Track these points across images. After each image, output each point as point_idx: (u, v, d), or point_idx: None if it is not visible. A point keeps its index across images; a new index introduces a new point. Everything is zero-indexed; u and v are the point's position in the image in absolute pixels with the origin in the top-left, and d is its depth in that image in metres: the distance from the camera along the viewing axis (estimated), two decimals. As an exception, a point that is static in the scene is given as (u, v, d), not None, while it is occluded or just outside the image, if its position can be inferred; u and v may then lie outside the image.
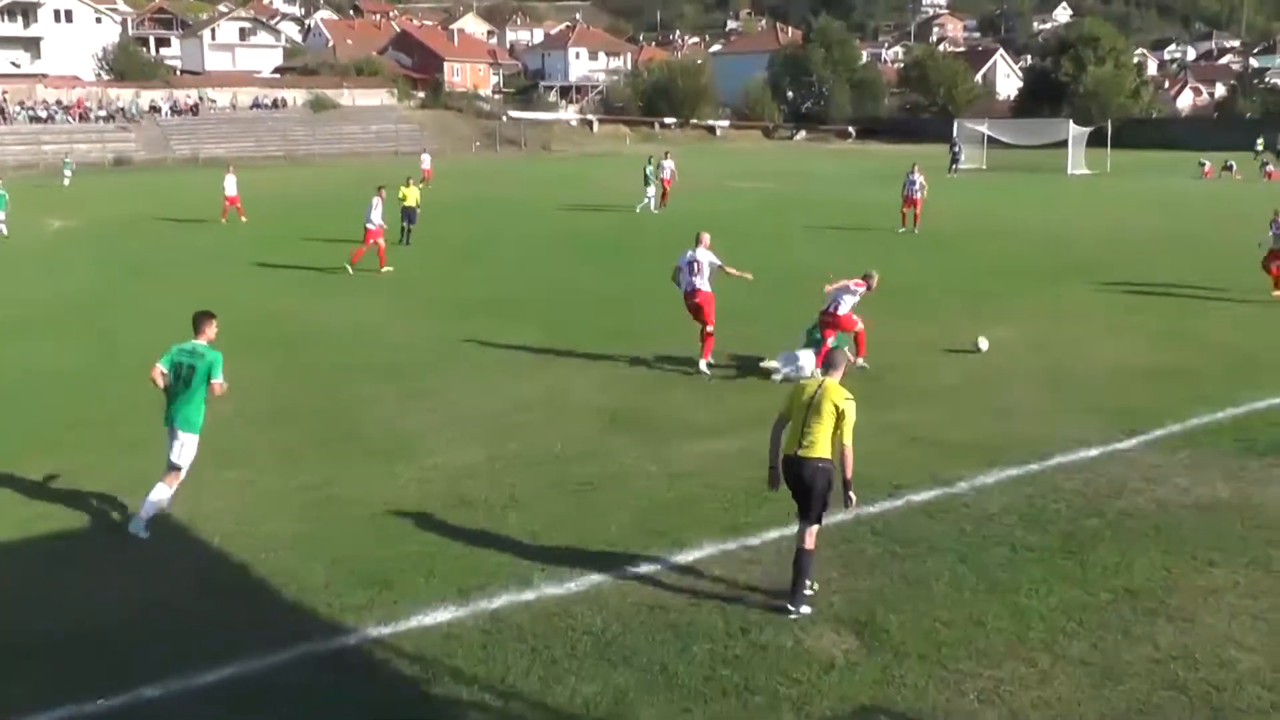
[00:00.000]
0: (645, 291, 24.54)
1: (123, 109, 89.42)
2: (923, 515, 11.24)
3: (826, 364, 9.85)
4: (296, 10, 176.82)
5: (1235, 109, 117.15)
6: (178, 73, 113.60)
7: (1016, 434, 13.85)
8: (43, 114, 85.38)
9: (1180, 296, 22.89)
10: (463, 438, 13.92)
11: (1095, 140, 71.71)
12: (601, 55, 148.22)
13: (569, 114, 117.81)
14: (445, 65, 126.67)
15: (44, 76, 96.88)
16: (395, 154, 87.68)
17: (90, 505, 11.80)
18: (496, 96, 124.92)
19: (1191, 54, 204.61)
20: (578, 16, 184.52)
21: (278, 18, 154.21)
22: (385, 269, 28.07)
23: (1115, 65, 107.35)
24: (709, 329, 17.54)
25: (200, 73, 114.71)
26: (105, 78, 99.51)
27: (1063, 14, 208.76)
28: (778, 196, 49.38)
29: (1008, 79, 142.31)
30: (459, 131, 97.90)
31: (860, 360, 16.98)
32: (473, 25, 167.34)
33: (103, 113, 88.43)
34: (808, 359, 17.01)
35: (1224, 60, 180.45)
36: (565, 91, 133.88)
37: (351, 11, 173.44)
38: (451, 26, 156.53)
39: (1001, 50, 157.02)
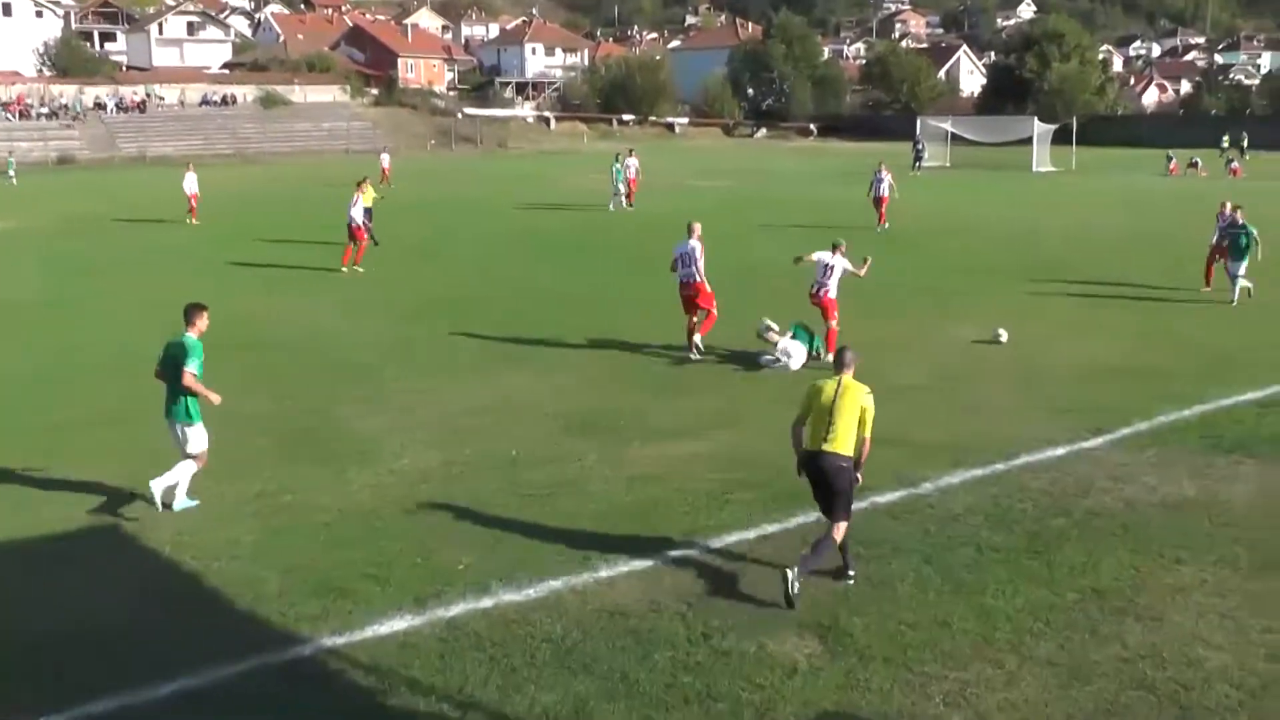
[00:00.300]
0: (603, 291, 24.45)
1: (66, 106, 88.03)
2: (887, 516, 11.14)
3: (839, 362, 9.94)
4: (246, 4, 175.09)
5: (1200, 106, 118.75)
6: (123, 68, 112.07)
7: (982, 433, 13.80)
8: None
9: (1145, 294, 22.97)
10: (418, 442, 13.71)
11: (1060, 138, 72.22)
12: (558, 51, 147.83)
13: (525, 111, 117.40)
14: (399, 61, 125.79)
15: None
16: (347, 152, 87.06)
17: (39, 515, 11.47)
18: (451, 93, 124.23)
19: (1156, 51, 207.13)
20: (534, 11, 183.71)
21: (227, 12, 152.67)
22: (352, 267, 27.85)
23: (1080, 62, 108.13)
24: (711, 312, 18.14)
25: (147, 68, 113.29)
26: (47, 73, 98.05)
27: (1027, 10, 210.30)
28: (738, 195, 49.32)
29: (971, 76, 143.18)
30: (413, 129, 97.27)
31: (829, 357, 16.92)
32: (427, 20, 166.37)
33: (44, 110, 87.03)
34: (796, 349, 17.02)
35: (1189, 57, 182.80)
36: (521, 88, 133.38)
37: (303, 6, 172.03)
38: (405, 21, 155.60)
39: (965, 47, 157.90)
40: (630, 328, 20.32)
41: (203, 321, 11.81)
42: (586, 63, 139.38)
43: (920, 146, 67.63)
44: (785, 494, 11.68)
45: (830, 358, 16.65)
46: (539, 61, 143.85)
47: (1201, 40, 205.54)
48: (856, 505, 11.22)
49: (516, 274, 27.45)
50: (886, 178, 36.70)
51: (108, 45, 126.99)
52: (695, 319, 18.26)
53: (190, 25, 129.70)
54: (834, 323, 17.79)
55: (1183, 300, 22.41)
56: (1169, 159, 65.49)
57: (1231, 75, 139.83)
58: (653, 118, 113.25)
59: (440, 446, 13.48)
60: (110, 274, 28.08)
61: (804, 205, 43.63)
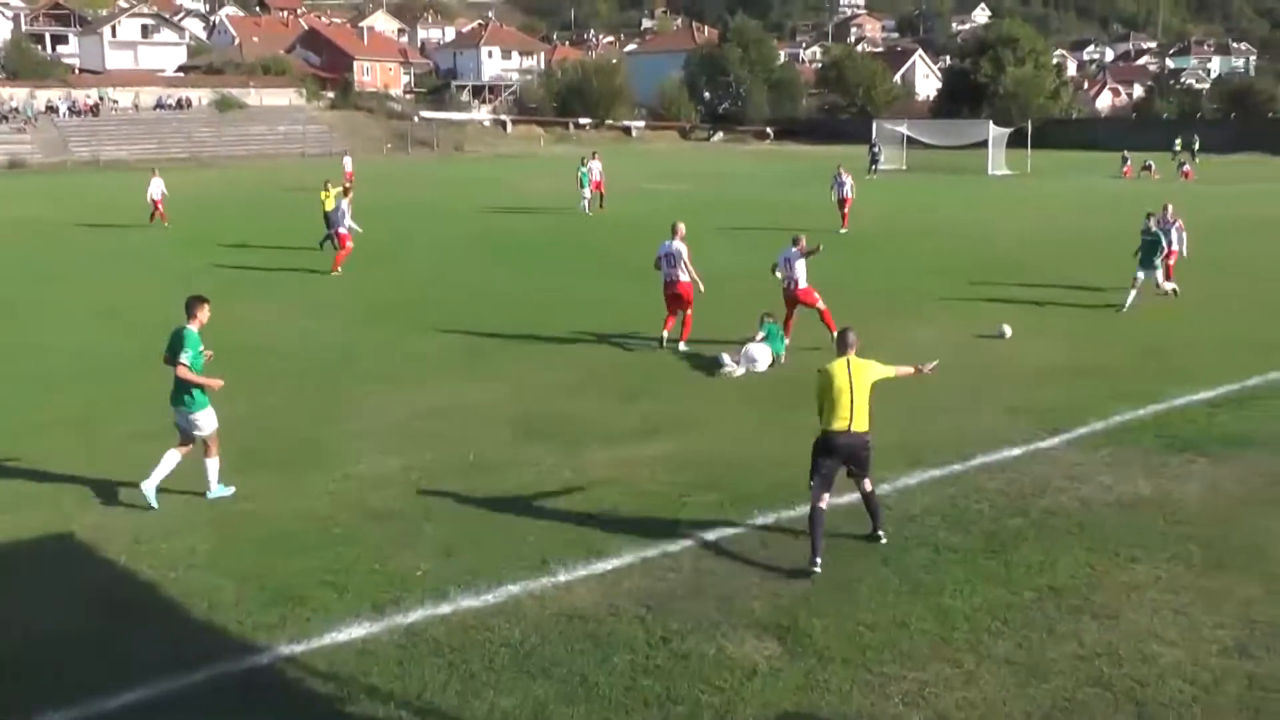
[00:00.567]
0: (561, 295, 24.41)
1: (16, 109, 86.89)
2: (845, 518, 11.13)
3: (843, 344, 10.51)
4: (201, 7, 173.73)
5: (1153, 109, 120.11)
6: (76, 71, 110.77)
7: (938, 434, 13.87)
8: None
9: (1098, 294, 23.14)
10: (375, 447, 13.62)
11: (1016, 141, 72.84)
12: (515, 54, 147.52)
13: (482, 114, 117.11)
14: (355, 64, 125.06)
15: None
16: (303, 155, 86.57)
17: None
18: (408, 96, 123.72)
19: (1109, 55, 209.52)
20: (490, 14, 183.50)
21: (181, 14, 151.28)
22: (336, 271, 27.78)
23: (1034, 66, 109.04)
24: (689, 315, 18.64)
25: (100, 71, 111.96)
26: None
27: (981, 15, 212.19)
28: (696, 198, 49.35)
29: (927, 79, 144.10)
30: (369, 132, 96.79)
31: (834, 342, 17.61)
32: (383, 23, 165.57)
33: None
34: (761, 353, 17.05)
35: (1141, 61, 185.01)
36: (478, 91, 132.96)
37: (258, 8, 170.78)
38: (361, 24, 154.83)
39: (920, 51, 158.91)
40: (589, 331, 20.30)
41: (203, 314, 11.85)
42: (543, 66, 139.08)
43: (876, 150, 67.99)
44: (744, 496, 11.74)
45: (825, 348, 17.00)
46: (495, 65, 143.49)
47: (1153, 45, 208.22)
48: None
49: (473, 278, 27.36)
50: (847, 180, 37.01)
51: (60, 48, 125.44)
52: (676, 318, 18.81)
53: (144, 28, 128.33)
54: (820, 304, 18.68)
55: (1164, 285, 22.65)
56: (1124, 160, 66.22)
57: (1183, 79, 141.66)
58: (609, 121, 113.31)
59: (397, 452, 13.40)
60: (67, 279, 27.76)
61: (763, 208, 43.77)
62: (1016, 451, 13.16)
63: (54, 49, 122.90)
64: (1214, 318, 21.34)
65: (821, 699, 7.90)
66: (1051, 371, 17.13)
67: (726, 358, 17.26)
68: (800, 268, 18.54)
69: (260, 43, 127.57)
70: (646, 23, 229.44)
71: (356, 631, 8.87)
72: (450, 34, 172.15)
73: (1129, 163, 65.75)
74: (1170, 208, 23.79)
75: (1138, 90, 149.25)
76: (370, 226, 32.85)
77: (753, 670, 8.25)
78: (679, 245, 18.70)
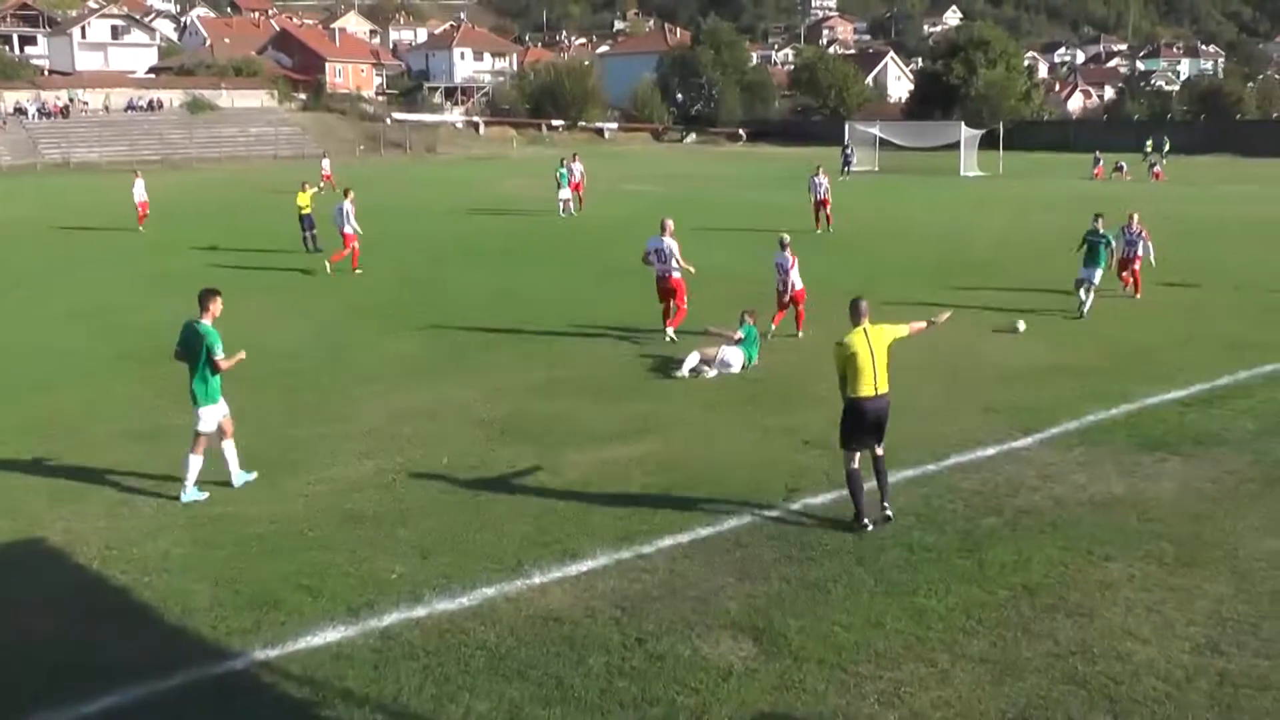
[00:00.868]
0: (533, 297, 24.37)
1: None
2: (819, 518, 11.19)
3: (857, 313, 10.98)
4: (172, 8, 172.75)
5: (1124, 111, 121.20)
6: (45, 73, 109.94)
7: (912, 434, 13.85)
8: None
9: (1068, 295, 23.24)
10: (350, 450, 13.57)
11: (988, 142, 73.20)
12: (487, 56, 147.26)
13: (455, 116, 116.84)
14: (327, 65, 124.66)
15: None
16: (275, 157, 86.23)
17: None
18: (380, 98, 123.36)
19: (1081, 57, 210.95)
20: (462, 16, 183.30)
21: (152, 15, 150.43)
22: (334, 270, 28.02)
23: (1006, 68, 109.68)
24: (682, 307, 19.41)
25: (70, 73, 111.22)
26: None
27: (953, 17, 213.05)
28: (670, 200, 49.31)
29: (899, 81, 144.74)
30: (342, 134, 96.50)
31: (801, 333, 19.55)
32: (355, 24, 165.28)
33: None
34: (735, 357, 17.05)
35: (1112, 64, 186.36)
36: (450, 93, 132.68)
37: (229, 9, 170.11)
38: (333, 25, 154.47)
39: (892, 53, 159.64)
40: (565, 333, 20.30)
41: (215, 306, 12.01)
42: (515, 68, 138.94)
43: (849, 152, 68.19)
44: (718, 497, 11.75)
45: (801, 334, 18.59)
46: (467, 66, 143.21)
47: (1124, 47, 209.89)
48: (787, 507, 11.50)
49: (449, 280, 27.28)
50: (824, 181, 37.18)
51: (28, 49, 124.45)
52: (668, 307, 19.47)
53: (114, 29, 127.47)
54: (801, 306, 19.74)
55: (1104, 300, 22.69)
56: (1096, 161, 66.66)
57: (1153, 81, 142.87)
58: (582, 123, 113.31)
59: (372, 454, 13.36)
60: (38, 282, 27.55)
61: (738, 209, 43.80)
62: (990, 451, 13.22)
63: (22, 50, 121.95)
64: (1184, 318, 21.49)
65: (797, 699, 7.91)
66: (1025, 372, 17.21)
67: (698, 357, 17.14)
68: (796, 270, 19.46)
69: (231, 44, 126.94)
70: (619, 24, 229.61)
71: (331, 635, 8.83)
72: (422, 35, 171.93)
73: (1100, 164, 66.21)
74: (1136, 217, 23.54)
75: (1108, 92, 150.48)
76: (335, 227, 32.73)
77: (728, 671, 8.26)
78: (669, 241, 19.31)
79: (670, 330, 19.36)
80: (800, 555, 10.25)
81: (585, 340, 19.65)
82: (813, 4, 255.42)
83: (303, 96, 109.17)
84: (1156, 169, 63.92)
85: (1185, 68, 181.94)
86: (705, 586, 9.63)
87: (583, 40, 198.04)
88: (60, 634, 9.00)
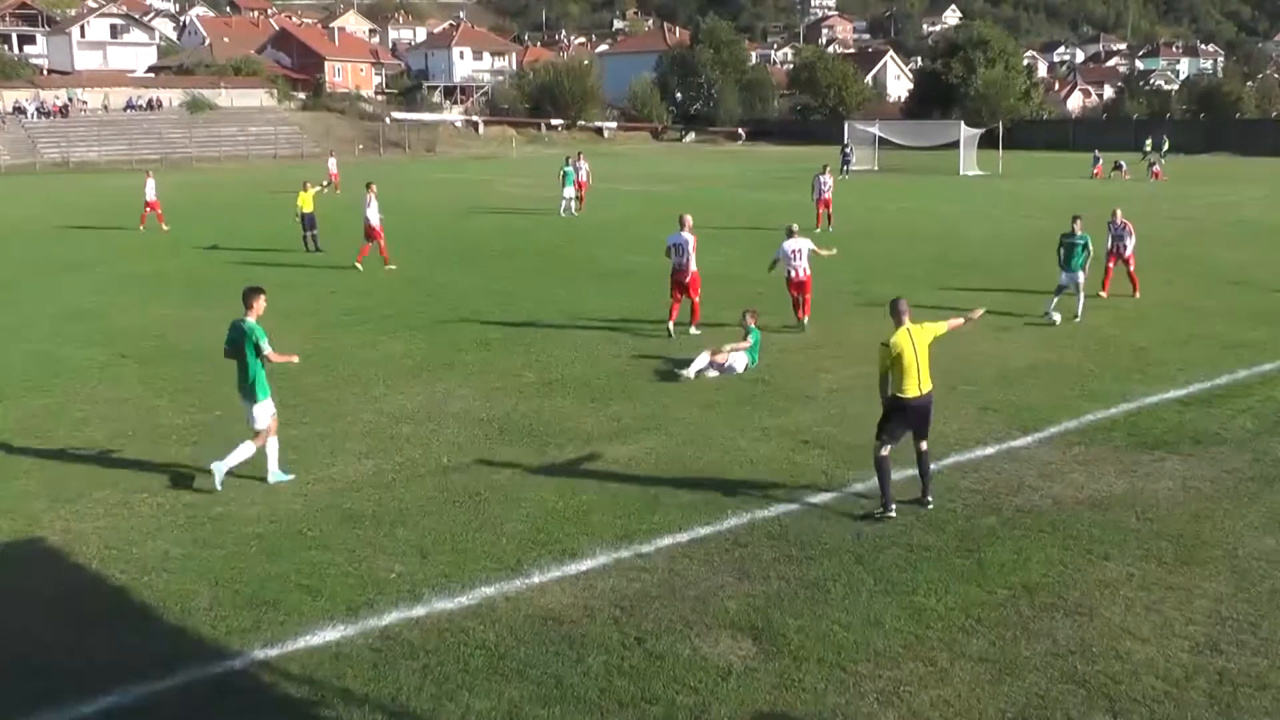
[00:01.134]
0: (532, 296, 24.33)
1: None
2: (818, 518, 11.20)
3: (898, 313, 11.35)
4: (171, 7, 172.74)
5: (1123, 110, 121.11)
6: (44, 72, 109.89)
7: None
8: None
9: (1071, 294, 23.23)
10: (348, 450, 13.56)
11: (987, 142, 73.18)
12: (486, 55, 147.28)
13: (454, 115, 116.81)
14: (326, 65, 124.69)
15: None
16: (274, 157, 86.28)
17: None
18: (379, 97, 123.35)
19: (1080, 56, 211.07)
20: (461, 15, 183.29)
21: (151, 14, 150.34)
22: (361, 266, 28.34)
23: (1005, 67, 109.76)
24: (696, 300, 19.90)
25: (69, 72, 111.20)
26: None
27: (952, 16, 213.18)
28: (671, 199, 49.31)
29: (898, 81, 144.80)
30: (341, 133, 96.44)
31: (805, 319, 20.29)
32: (354, 24, 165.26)
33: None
34: (739, 361, 17.02)
35: (1111, 63, 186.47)
36: (450, 92, 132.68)
37: (228, 8, 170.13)
38: (332, 25, 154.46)
39: (891, 52, 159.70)
40: (562, 333, 20.29)
41: (260, 304, 12.52)
42: (514, 67, 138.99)
43: (848, 151, 68.19)
44: (717, 496, 11.76)
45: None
46: (467, 65, 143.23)
47: (1123, 46, 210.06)
48: (786, 507, 11.50)
49: (445, 279, 27.26)
50: (829, 180, 37.34)
51: (27, 48, 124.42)
52: (680, 305, 19.83)
53: (113, 28, 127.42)
54: (808, 294, 20.27)
55: (1103, 299, 22.70)
56: (1095, 160, 66.67)
57: (1152, 81, 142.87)
58: (581, 122, 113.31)
59: (371, 454, 13.35)
60: (27, 283, 27.51)
61: (737, 209, 43.79)
62: (989, 450, 13.23)
63: (21, 49, 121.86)
64: (1183, 318, 21.46)
65: (796, 699, 7.91)
66: (1023, 371, 17.20)
67: (706, 359, 17.03)
68: (805, 258, 20.09)
69: (231, 43, 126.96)
70: (618, 24, 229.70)
71: (331, 635, 8.83)
72: (421, 35, 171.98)
73: (1100, 163, 66.21)
74: (1119, 211, 23.36)
75: (1108, 91, 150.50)
76: (343, 228, 32.76)
77: (727, 670, 8.26)
78: (687, 235, 19.70)
79: (673, 324, 19.62)
80: (799, 555, 10.25)
81: (584, 340, 19.63)
82: (812, 3, 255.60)
83: (302, 96, 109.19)
84: (1156, 168, 63.93)
85: (1184, 67, 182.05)
86: (704, 586, 9.63)
87: (582, 39, 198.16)
88: (59, 633, 8.99)
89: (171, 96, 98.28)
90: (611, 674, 8.22)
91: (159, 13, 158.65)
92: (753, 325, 17.57)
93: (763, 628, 8.87)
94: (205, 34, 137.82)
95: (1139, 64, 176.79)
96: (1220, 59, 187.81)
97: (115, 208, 42.42)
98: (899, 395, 11.07)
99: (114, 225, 39.04)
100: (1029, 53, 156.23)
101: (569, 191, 42.67)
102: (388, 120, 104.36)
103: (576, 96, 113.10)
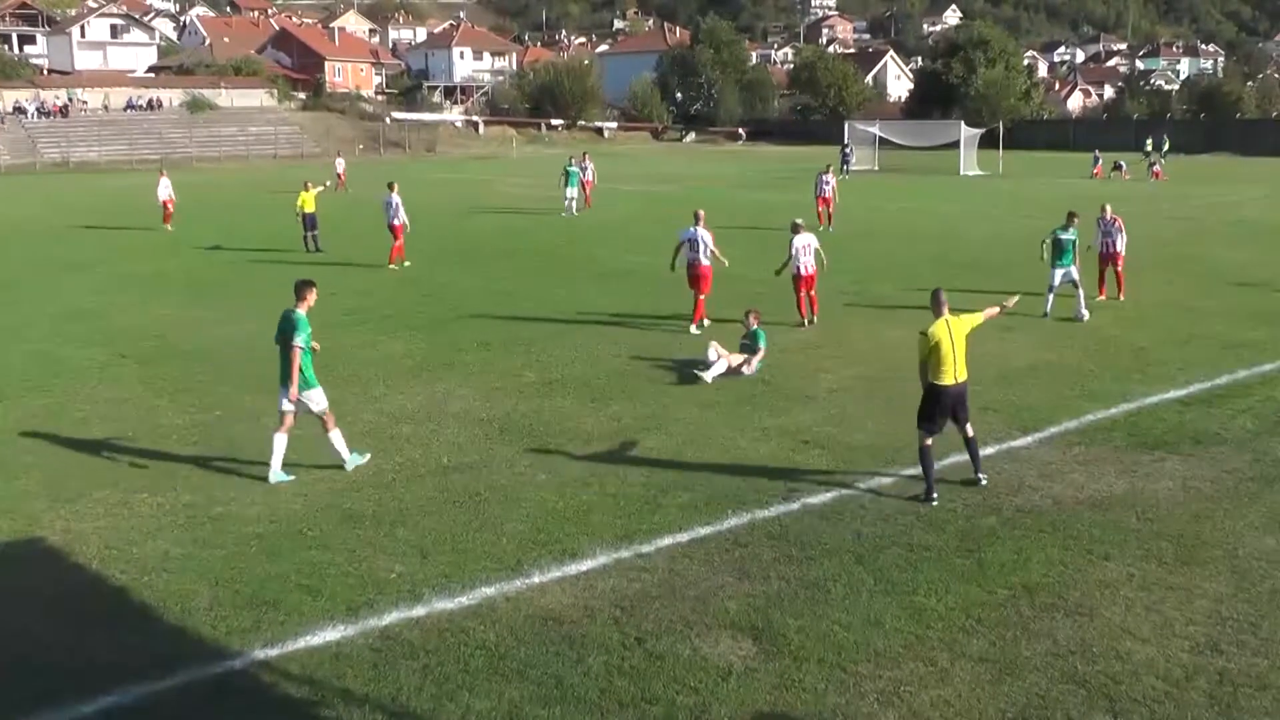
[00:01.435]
0: (532, 296, 24.33)
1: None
2: (818, 518, 11.19)
3: (938, 305, 11.72)
4: (171, 7, 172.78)
5: (1123, 110, 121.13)
6: (44, 72, 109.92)
7: (911, 434, 13.80)
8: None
9: (1072, 294, 23.22)
10: (348, 450, 13.52)
11: (987, 142, 73.18)
12: (486, 55, 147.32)
13: (454, 115, 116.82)
14: (326, 65, 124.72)
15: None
16: (275, 157, 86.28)
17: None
18: (379, 97, 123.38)
19: (1080, 56, 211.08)
20: (461, 15, 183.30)
21: (151, 14, 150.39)
22: (401, 264, 28.71)
23: (1006, 68, 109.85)
24: (701, 297, 20.03)
25: (69, 72, 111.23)
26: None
27: (952, 16, 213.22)
28: (671, 199, 49.37)
29: (898, 80, 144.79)
30: (341, 133, 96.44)
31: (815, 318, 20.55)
32: (354, 24, 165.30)
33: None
34: (736, 358, 16.97)
35: (1111, 63, 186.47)
36: (450, 92, 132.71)
37: (229, 8, 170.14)
38: (332, 25, 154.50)
39: (892, 52, 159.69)
40: (562, 333, 20.29)
41: (311, 297, 12.81)
42: (515, 67, 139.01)
43: (848, 151, 68.17)
44: (717, 496, 11.75)
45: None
46: (467, 65, 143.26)
47: (1123, 46, 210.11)
48: (787, 507, 11.50)
49: (445, 279, 27.26)
50: (832, 180, 37.47)
51: (27, 48, 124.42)
52: (701, 296, 20.13)
53: (114, 28, 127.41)
54: (814, 291, 20.53)
55: (1103, 300, 22.67)
56: (1095, 160, 66.68)
57: (1152, 81, 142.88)
58: (581, 122, 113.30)
59: (371, 454, 13.33)
60: (28, 283, 27.52)
61: (737, 209, 43.72)
62: (989, 450, 13.17)
63: (21, 49, 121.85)
64: (1183, 318, 21.45)
65: (797, 699, 7.90)
66: (1023, 371, 17.20)
67: (725, 365, 16.91)
68: (813, 257, 20.30)
69: (231, 43, 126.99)
70: (618, 24, 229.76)
71: (331, 635, 8.83)
72: (422, 35, 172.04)
73: (1100, 163, 66.22)
74: (1109, 207, 23.01)
75: (1108, 91, 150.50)
76: (346, 229, 32.79)
77: (728, 670, 8.25)
78: (702, 231, 20.11)
79: (693, 327, 19.83)
80: (799, 555, 10.24)
81: (584, 340, 19.63)
82: (812, 3, 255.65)
83: (302, 96, 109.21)
84: (1156, 168, 63.94)
85: (1185, 67, 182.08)
86: (705, 586, 9.63)
87: (582, 39, 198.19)
88: (59, 633, 8.99)
89: (171, 96, 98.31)
90: (612, 674, 8.22)
91: (159, 13, 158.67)
92: (756, 326, 17.55)
93: (763, 628, 8.87)
94: (205, 34, 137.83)
95: (1139, 64, 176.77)
96: (1220, 59, 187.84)
97: (115, 208, 42.45)
98: (936, 383, 11.56)
99: (114, 225, 39.03)
100: (1029, 53, 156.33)
101: (571, 192, 42.71)
102: (388, 120, 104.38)
103: (577, 96, 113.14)
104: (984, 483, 11.87)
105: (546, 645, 8.64)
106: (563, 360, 18.18)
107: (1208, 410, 14.89)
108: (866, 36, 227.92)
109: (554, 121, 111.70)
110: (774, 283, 21.16)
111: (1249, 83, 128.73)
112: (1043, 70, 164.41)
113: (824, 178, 37.86)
